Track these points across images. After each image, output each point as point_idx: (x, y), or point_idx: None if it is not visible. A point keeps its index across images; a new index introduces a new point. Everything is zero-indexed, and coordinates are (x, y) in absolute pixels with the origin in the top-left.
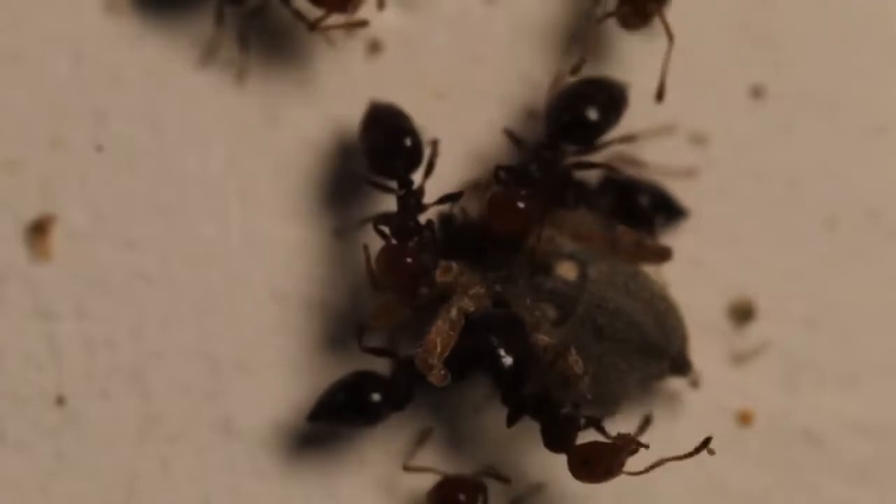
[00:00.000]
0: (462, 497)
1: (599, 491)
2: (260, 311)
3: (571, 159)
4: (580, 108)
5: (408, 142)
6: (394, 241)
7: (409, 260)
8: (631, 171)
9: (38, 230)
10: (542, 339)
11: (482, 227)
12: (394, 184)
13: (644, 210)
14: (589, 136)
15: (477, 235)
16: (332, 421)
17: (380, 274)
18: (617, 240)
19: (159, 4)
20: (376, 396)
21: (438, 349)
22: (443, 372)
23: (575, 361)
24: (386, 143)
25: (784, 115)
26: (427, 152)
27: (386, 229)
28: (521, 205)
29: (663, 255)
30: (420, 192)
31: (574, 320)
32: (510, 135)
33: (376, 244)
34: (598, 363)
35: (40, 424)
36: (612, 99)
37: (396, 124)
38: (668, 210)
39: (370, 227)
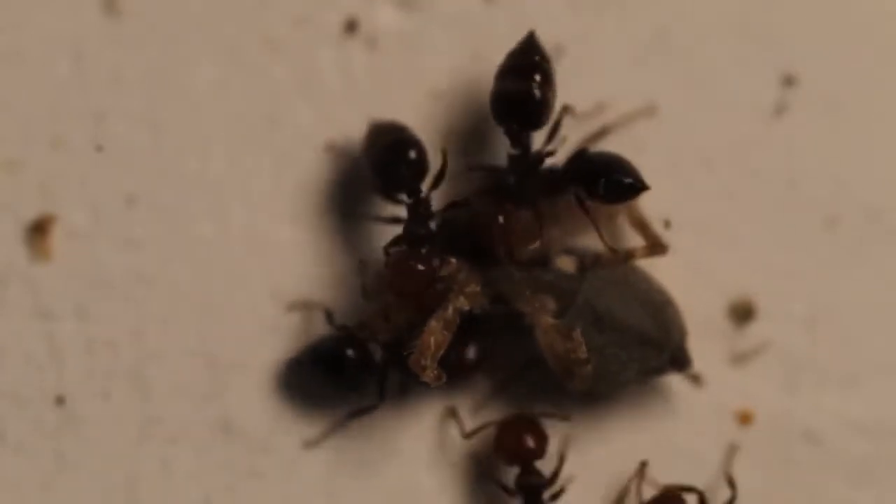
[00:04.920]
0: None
1: (601, 491)
2: (260, 311)
3: (546, 149)
4: (519, 100)
5: (412, 154)
6: (404, 249)
7: (420, 267)
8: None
9: (38, 230)
10: (547, 321)
11: (481, 227)
12: (402, 195)
13: (602, 182)
14: (541, 113)
15: (476, 234)
16: (309, 365)
17: (391, 281)
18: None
19: (159, 4)
20: (350, 352)
21: (432, 349)
22: (436, 372)
23: (579, 342)
24: (391, 157)
25: (784, 115)
26: (439, 162)
27: (395, 250)
28: (500, 221)
29: (660, 248)
30: (428, 200)
31: (574, 311)
32: (475, 166)
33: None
34: (599, 354)
35: (40, 424)
36: (534, 66)
37: (399, 137)
38: (622, 182)
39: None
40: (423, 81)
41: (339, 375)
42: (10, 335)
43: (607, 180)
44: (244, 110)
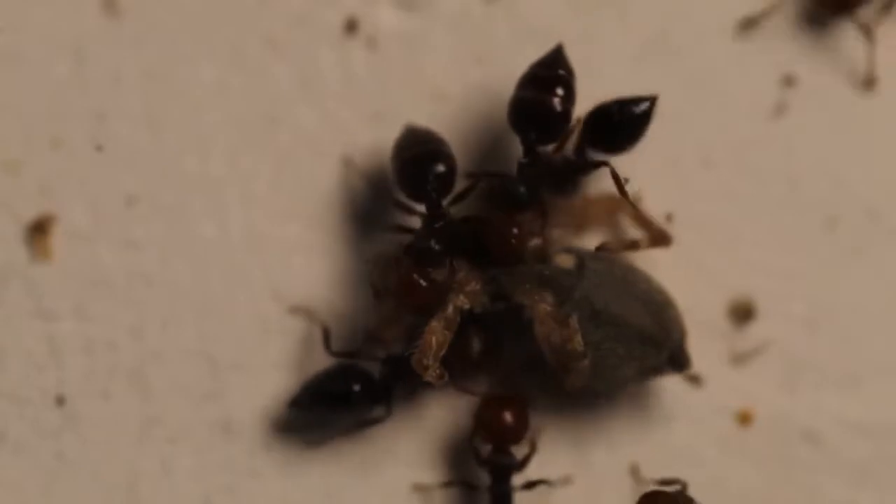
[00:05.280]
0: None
1: (601, 491)
2: (260, 311)
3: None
4: (539, 111)
5: (441, 168)
6: (411, 262)
7: (424, 284)
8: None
9: (38, 230)
10: (544, 307)
11: (490, 235)
12: (420, 206)
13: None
14: (560, 127)
15: (485, 241)
16: (312, 408)
17: (394, 293)
18: (621, 215)
19: (159, 4)
20: (356, 387)
21: (434, 349)
22: (438, 371)
23: (575, 331)
24: (419, 167)
25: (784, 115)
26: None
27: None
28: (515, 232)
29: (664, 239)
30: (446, 215)
31: (571, 305)
32: (477, 174)
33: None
34: (596, 349)
35: (40, 424)
36: (558, 79)
37: (433, 148)
38: (637, 110)
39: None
40: (424, 81)
41: (347, 410)
42: (10, 335)
43: (621, 109)
44: (244, 110)
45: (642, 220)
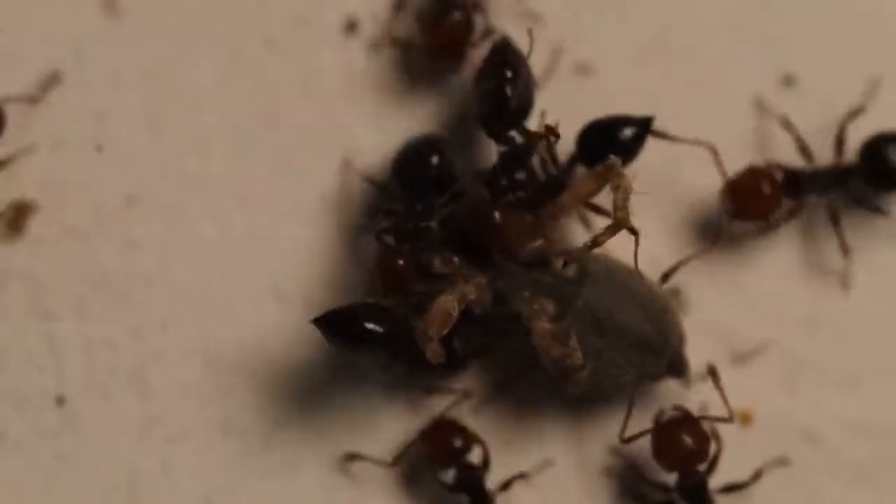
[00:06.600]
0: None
1: (600, 489)
2: (260, 311)
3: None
4: (492, 104)
5: (435, 160)
6: (391, 242)
7: (400, 262)
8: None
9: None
10: (543, 325)
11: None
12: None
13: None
14: (517, 109)
15: (472, 230)
16: (333, 333)
17: (376, 274)
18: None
19: (159, 4)
20: (381, 328)
21: (438, 323)
22: (439, 350)
23: (574, 349)
24: (414, 159)
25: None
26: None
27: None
28: (497, 217)
29: (624, 223)
30: (432, 201)
31: (573, 314)
32: (480, 174)
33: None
34: (597, 358)
35: (40, 424)
36: (503, 64)
37: (428, 141)
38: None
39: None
40: (423, 82)
41: (367, 351)
42: (10, 335)
43: (615, 128)
44: (244, 110)
45: (623, 197)
